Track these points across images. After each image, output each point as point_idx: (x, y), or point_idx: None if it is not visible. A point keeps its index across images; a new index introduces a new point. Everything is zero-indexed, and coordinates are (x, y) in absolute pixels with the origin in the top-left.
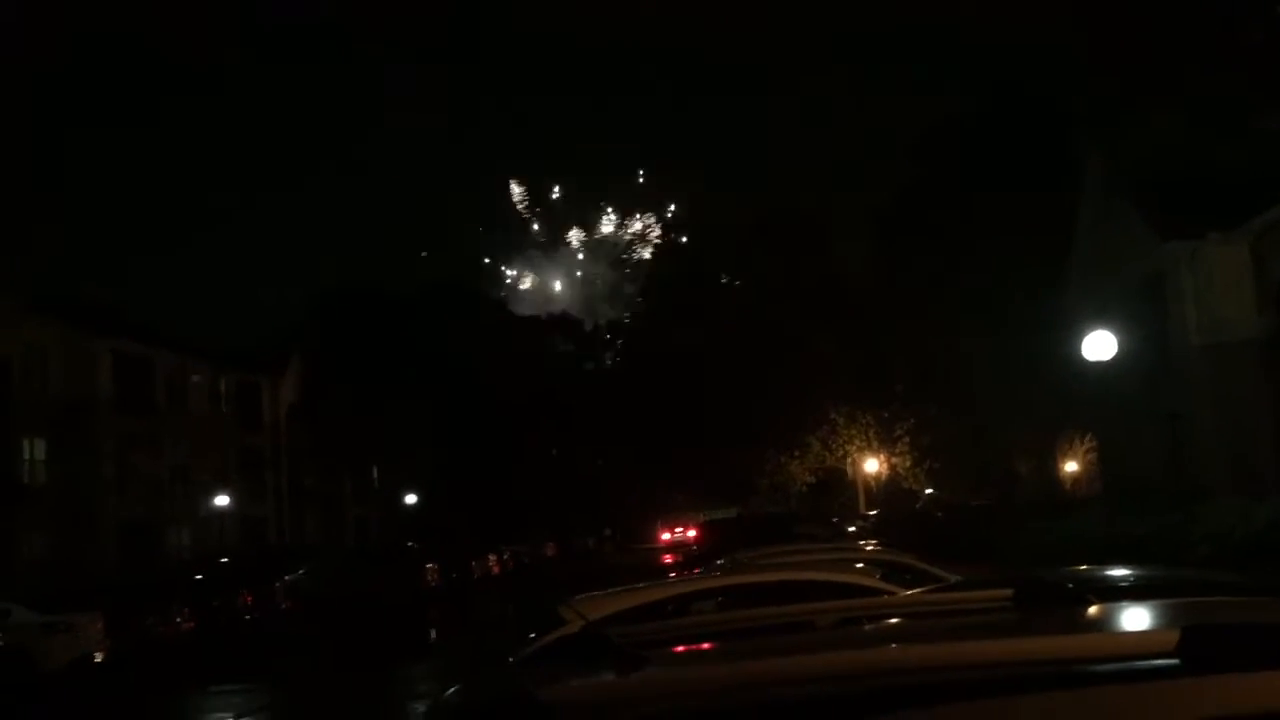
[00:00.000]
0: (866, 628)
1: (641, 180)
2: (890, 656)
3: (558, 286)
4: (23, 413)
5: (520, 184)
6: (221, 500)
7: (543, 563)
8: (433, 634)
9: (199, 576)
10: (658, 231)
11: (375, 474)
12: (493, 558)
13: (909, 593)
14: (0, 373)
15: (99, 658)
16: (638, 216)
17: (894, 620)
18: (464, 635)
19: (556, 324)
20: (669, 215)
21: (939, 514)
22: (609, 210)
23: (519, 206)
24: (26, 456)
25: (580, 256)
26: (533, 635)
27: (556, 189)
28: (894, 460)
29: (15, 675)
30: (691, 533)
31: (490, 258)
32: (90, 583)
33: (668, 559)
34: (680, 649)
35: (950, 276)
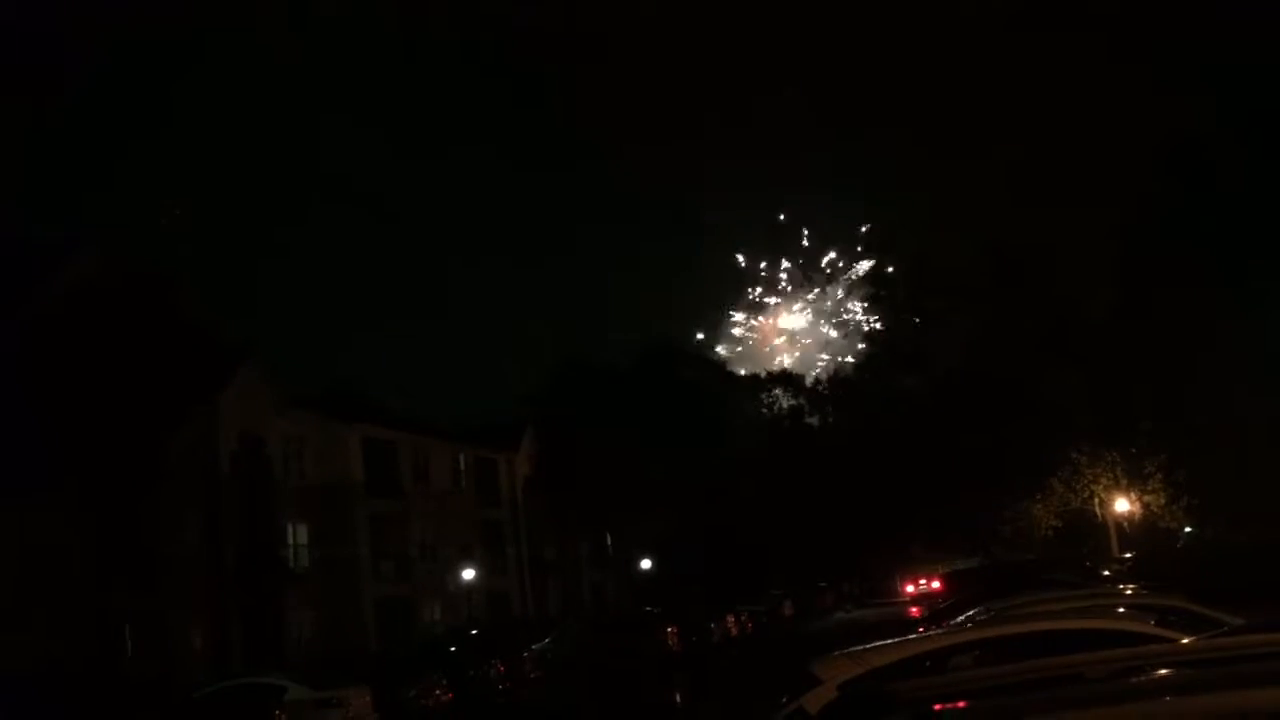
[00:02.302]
0: (1148, 677)
1: (865, 230)
2: (1172, 708)
3: (779, 342)
4: (285, 499)
5: (742, 255)
6: (468, 574)
7: (781, 622)
8: (678, 698)
9: (453, 649)
10: (868, 273)
11: (609, 541)
12: (731, 619)
13: (1188, 639)
14: (265, 463)
15: None
16: (853, 269)
17: (1174, 669)
18: (709, 698)
19: (778, 381)
20: (888, 264)
21: (1202, 553)
22: (828, 263)
23: (740, 263)
24: (290, 541)
25: (802, 310)
26: (785, 698)
27: (773, 264)
28: (1146, 498)
29: None
30: (935, 584)
31: (709, 319)
32: (354, 658)
33: (914, 613)
34: (964, 707)
35: (1201, 297)
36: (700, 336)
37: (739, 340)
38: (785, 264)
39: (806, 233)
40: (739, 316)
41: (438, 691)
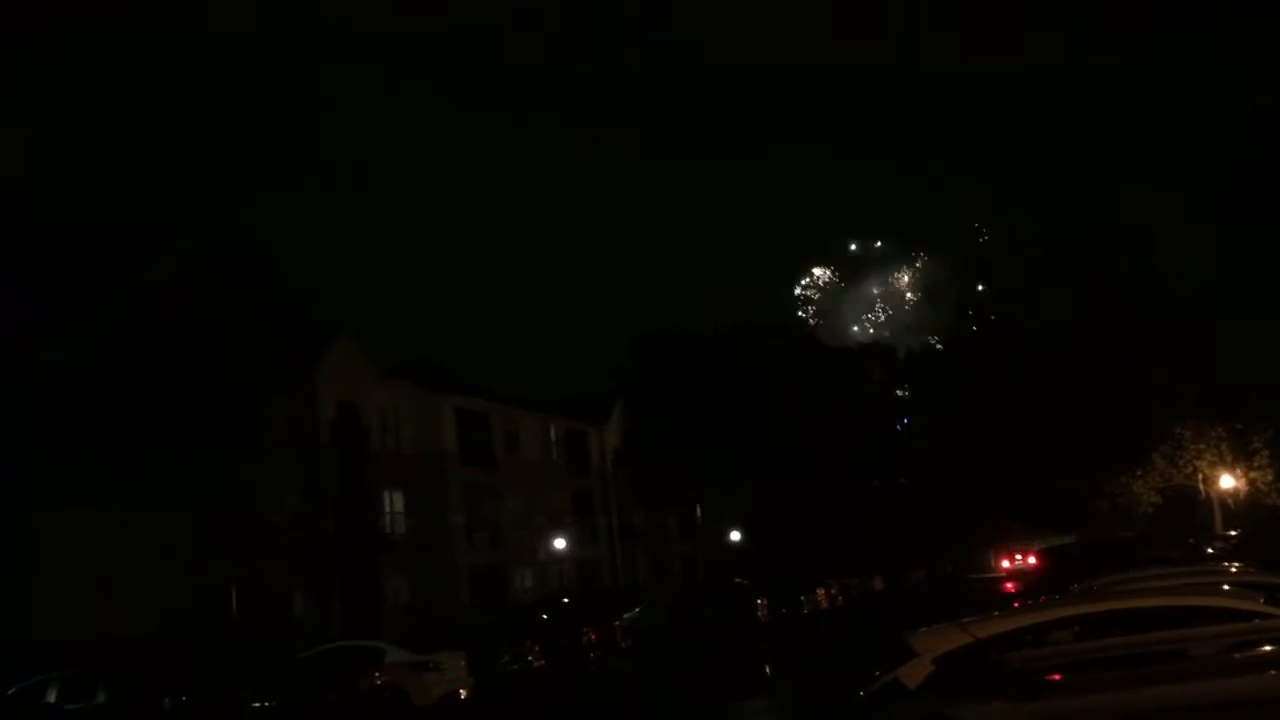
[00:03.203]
0: (1256, 652)
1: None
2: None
3: (870, 316)
4: (381, 468)
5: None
6: (559, 543)
7: (872, 596)
8: (767, 669)
9: (545, 616)
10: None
11: (699, 512)
12: (821, 592)
13: None
14: (362, 432)
15: (464, 694)
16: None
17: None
18: (798, 671)
19: (869, 352)
20: (978, 234)
21: None
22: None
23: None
24: (387, 509)
25: (891, 283)
26: (878, 670)
27: (859, 244)
28: (1252, 474)
29: (394, 710)
30: (1031, 560)
31: (800, 291)
32: (449, 624)
33: (1010, 588)
34: (1074, 677)
35: None
36: (797, 294)
37: (829, 310)
38: (878, 243)
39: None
40: (825, 275)
41: (530, 658)
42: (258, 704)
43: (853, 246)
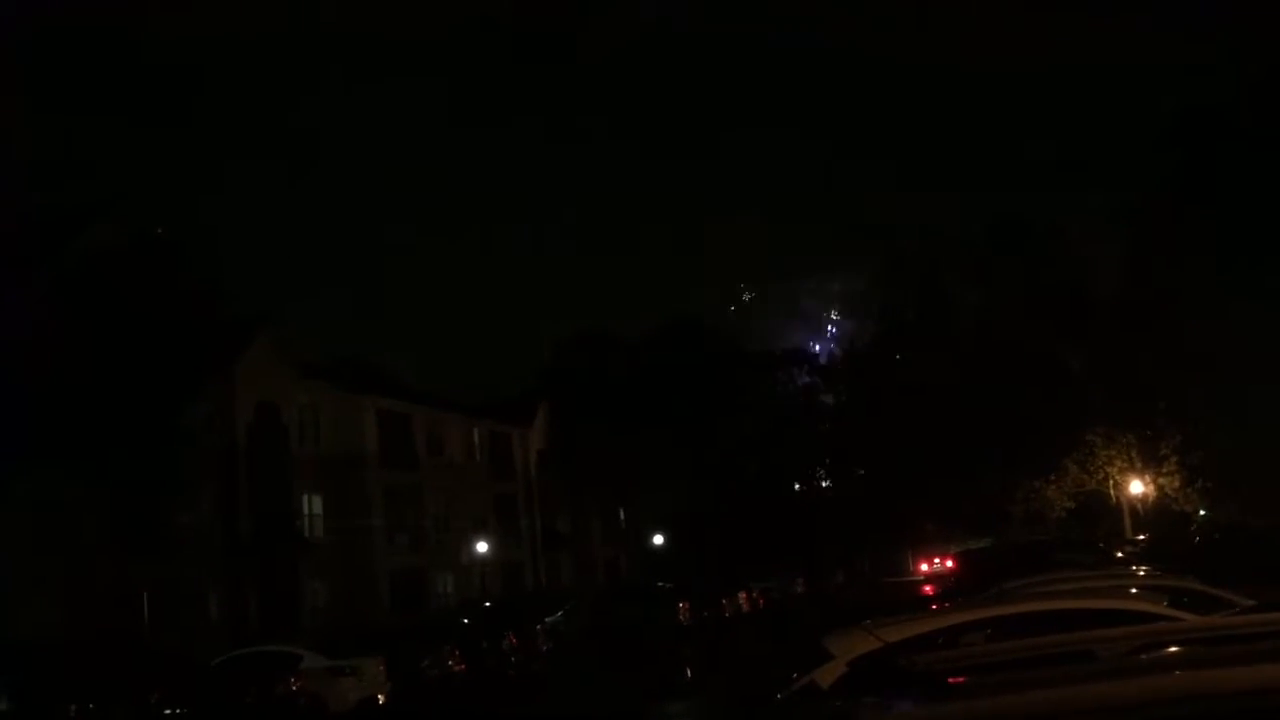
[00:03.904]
0: (1160, 653)
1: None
2: (1183, 683)
3: (798, 314)
4: (300, 469)
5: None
6: (481, 546)
7: (793, 599)
8: (689, 671)
9: (465, 620)
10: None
11: (622, 515)
12: (743, 595)
13: (1200, 618)
14: (281, 433)
15: (381, 699)
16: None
17: (1185, 646)
18: (720, 673)
19: (791, 358)
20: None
21: (1216, 535)
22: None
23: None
24: (306, 510)
25: (816, 286)
26: (795, 673)
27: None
28: (1160, 481)
29: (311, 717)
30: (948, 564)
31: (720, 295)
32: (368, 628)
33: (927, 590)
34: (978, 679)
35: (1218, 273)
36: (717, 309)
37: (752, 317)
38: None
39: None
40: (749, 294)
41: (450, 662)
42: (169, 710)
43: (778, 248)
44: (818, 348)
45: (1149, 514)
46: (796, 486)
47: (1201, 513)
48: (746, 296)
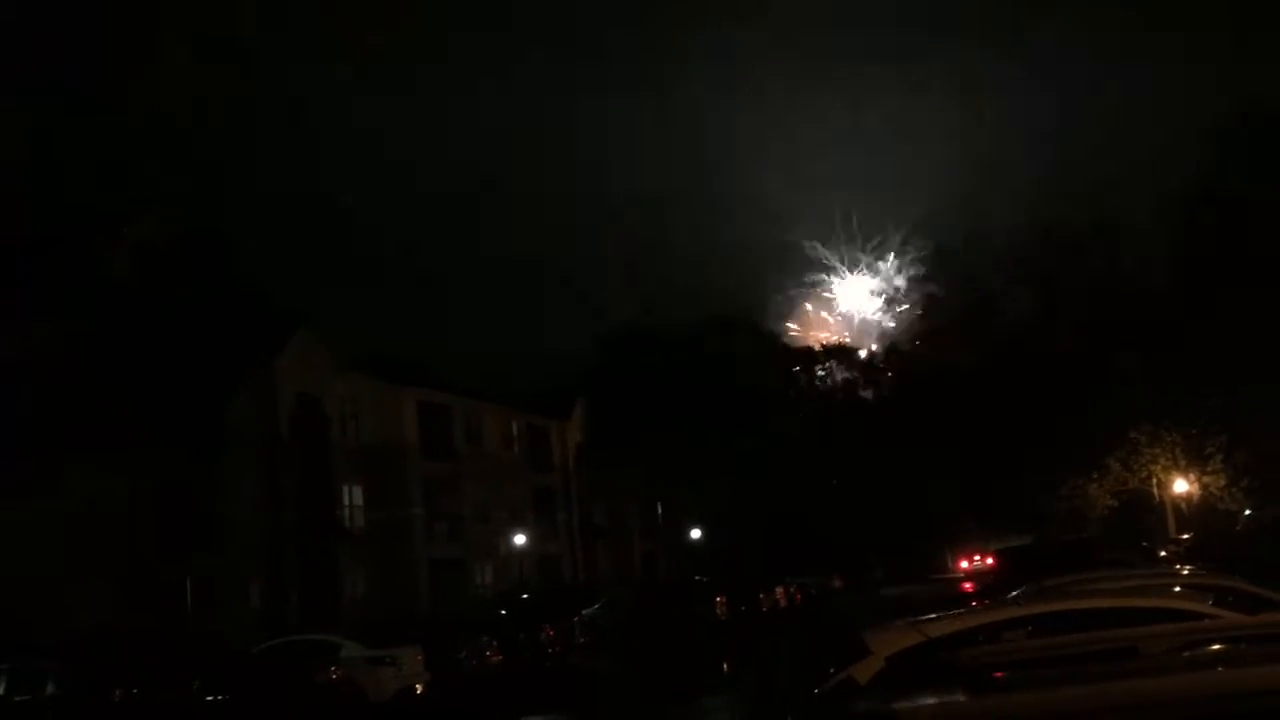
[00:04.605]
0: (1204, 651)
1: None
2: (1227, 680)
3: (837, 311)
4: (341, 461)
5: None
6: (519, 539)
7: (831, 595)
8: (725, 666)
9: (503, 612)
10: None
11: (660, 509)
12: (780, 591)
13: (1246, 617)
14: (321, 424)
15: (420, 689)
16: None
17: (1229, 644)
18: (756, 668)
19: (833, 353)
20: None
21: (1262, 535)
22: (878, 240)
23: (801, 245)
24: (346, 501)
25: (853, 279)
26: (833, 668)
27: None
28: (1205, 479)
29: (349, 706)
30: (989, 561)
31: (764, 290)
32: (406, 618)
33: (967, 588)
34: (1020, 674)
35: (1268, 271)
36: (758, 306)
37: (793, 314)
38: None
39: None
40: (793, 292)
41: (487, 653)
42: (211, 697)
43: (818, 245)
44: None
45: (1193, 513)
46: (835, 482)
47: (1247, 511)
48: (783, 292)
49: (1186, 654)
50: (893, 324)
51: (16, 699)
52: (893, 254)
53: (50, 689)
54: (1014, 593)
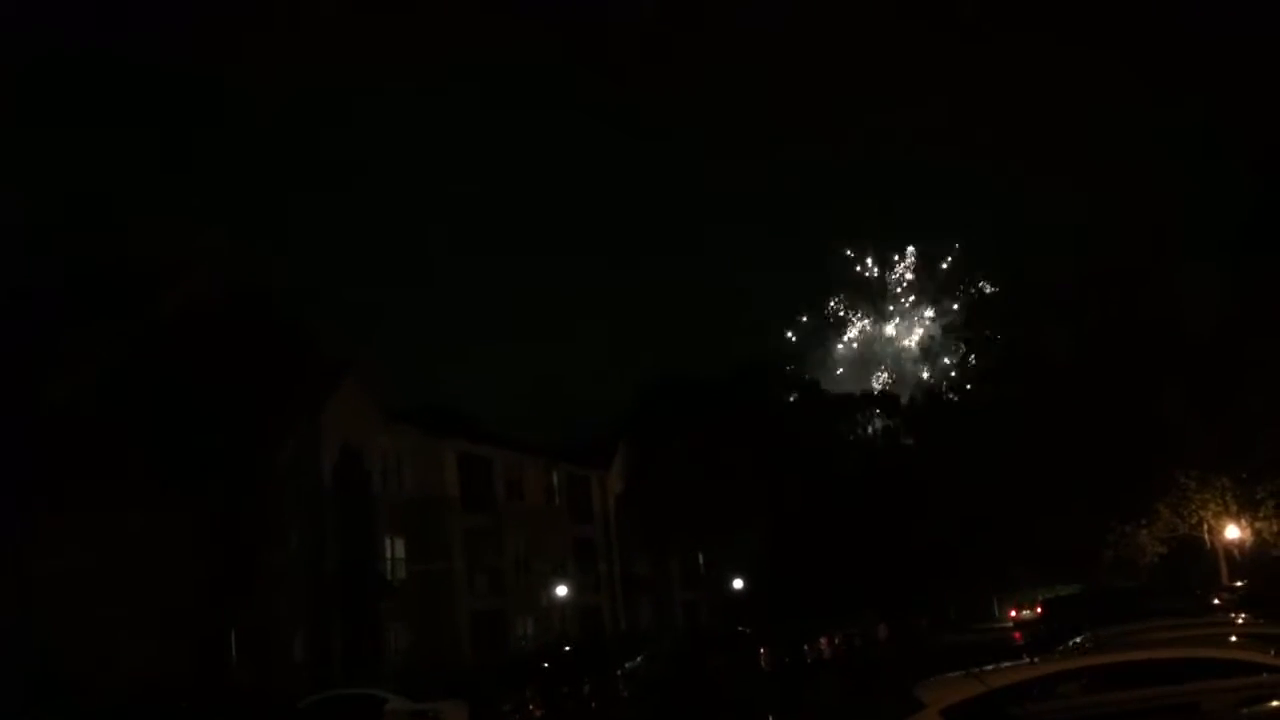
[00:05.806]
0: (1269, 706)
1: (957, 247)
2: None
3: (878, 359)
4: (383, 513)
5: (852, 251)
6: (560, 590)
7: (875, 645)
8: (770, 718)
9: (545, 664)
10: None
11: (701, 559)
12: (824, 640)
13: None
14: (364, 476)
15: None
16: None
17: None
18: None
19: (872, 400)
20: (979, 287)
21: None
22: (913, 278)
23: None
24: (388, 554)
25: (894, 329)
26: None
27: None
28: (1258, 525)
29: None
30: (1037, 610)
31: (802, 338)
32: (450, 670)
33: (1016, 637)
34: None
35: None
36: (792, 341)
37: (834, 362)
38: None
39: (912, 251)
40: (833, 340)
41: (531, 707)
42: None
43: (857, 291)
44: (899, 389)
45: (1246, 559)
46: (878, 530)
47: None
48: (819, 337)
49: (1246, 711)
50: (934, 371)
51: None
52: (934, 300)
53: None
54: (1071, 641)
